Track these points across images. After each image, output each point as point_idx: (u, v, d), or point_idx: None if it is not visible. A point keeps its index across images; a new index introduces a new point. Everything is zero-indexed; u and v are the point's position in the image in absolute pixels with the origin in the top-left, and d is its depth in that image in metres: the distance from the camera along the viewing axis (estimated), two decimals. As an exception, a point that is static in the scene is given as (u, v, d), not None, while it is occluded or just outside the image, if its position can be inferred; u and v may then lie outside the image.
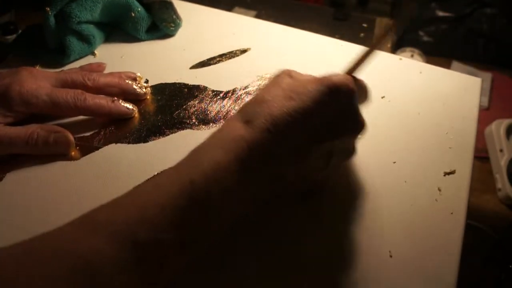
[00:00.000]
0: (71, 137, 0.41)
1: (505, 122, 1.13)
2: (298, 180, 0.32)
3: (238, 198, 0.29)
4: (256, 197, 0.30)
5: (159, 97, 0.48)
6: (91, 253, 0.23)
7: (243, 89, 0.49)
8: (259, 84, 0.50)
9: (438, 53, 1.44)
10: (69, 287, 0.22)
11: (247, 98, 0.48)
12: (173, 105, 0.47)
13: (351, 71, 0.35)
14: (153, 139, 0.43)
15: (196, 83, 0.50)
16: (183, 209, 0.26)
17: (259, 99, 0.31)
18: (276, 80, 0.33)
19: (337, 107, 0.31)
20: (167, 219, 0.25)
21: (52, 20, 0.48)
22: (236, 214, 0.30)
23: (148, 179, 0.29)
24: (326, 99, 0.30)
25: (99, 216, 0.26)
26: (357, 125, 0.33)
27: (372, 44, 0.34)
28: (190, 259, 0.27)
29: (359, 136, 0.34)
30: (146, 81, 0.49)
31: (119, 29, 0.56)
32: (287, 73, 0.33)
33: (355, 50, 0.51)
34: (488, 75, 1.36)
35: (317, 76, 0.33)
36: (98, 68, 0.49)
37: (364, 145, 0.40)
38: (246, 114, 0.30)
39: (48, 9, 0.47)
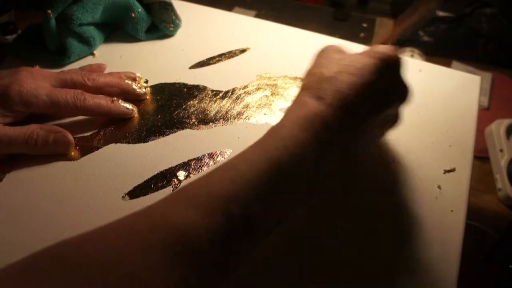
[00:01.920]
0: (71, 137, 0.41)
1: (505, 122, 1.13)
2: (358, 151, 0.34)
3: (316, 174, 0.30)
4: (328, 173, 0.32)
5: (158, 97, 0.48)
6: (185, 225, 0.25)
7: (243, 89, 0.49)
8: (259, 84, 0.50)
9: (438, 53, 1.44)
10: (166, 257, 0.23)
11: (247, 98, 0.48)
12: (172, 105, 0.47)
13: (389, 41, 0.37)
14: (153, 139, 0.43)
15: (196, 83, 0.50)
16: (270, 184, 0.27)
17: (322, 76, 0.32)
18: (329, 56, 0.35)
19: (390, 77, 0.33)
20: (255, 194, 0.26)
21: (53, 22, 0.48)
22: (313, 190, 0.31)
23: (237, 155, 0.29)
24: (382, 71, 0.32)
25: (192, 190, 0.27)
26: (406, 92, 0.35)
27: (410, 15, 0.35)
28: (272, 233, 0.29)
29: (406, 102, 0.35)
30: (146, 81, 0.49)
31: (118, 29, 0.56)
32: (336, 49, 0.36)
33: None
34: (488, 75, 1.36)
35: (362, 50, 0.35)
36: (99, 69, 0.49)
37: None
38: (316, 91, 0.32)
39: (50, 11, 0.47)
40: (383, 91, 0.33)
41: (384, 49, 0.34)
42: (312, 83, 0.33)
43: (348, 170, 0.39)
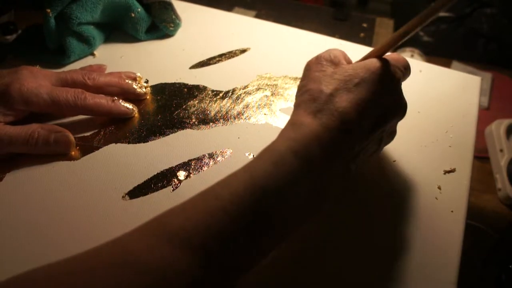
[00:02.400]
0: (71, 137, 0.41)
1: (505, 122, 1.13)
2: (356, 169, 0.33)
3: (307, 205, 0.29)
4: (325, 198, 0.30)
5: (159, 97, 0.48)
6: (163, 262, 0.23)
7: (243, 89, 0.49)
8: (259, 84, 0.50)
9: (438, 53, 1.44)
10: None
11: (247, 98, 0.48)
12: (173, 105, 0.47)
13: (386, 50, 0.34)
14: (153, 139, 0.43)
15: (196, 83, 0.50)
16: (254, 218, 0.25)
17: (321, 93, 0.31)
18: (323, 68, 0.33)
19: (388, 92, 0.32)
20: (235, 226, 0.25)
21: (52, 21, 0.48)
22: (302, 220, 0.29)
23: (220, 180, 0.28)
24: (381, 87, 0.31)
25: (170, 223, 0.25)
26: (403, 107, 0.34)
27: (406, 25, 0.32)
28: (258, 262, 0.27)
29: (402, 118, 0.35)
30: (146, 81, 0.49)
31: (118, 29, 0.56)
32: (328, 59, 0.33)
33: (354, 49, 0.51)
34: (488, 75, 1.36)
35: (358, 61, 0.34)
36: (99, 69, 0.49)
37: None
38: (313, 110, 0.30)
39: (49, 10, 0.48)
40: (382, 107, 0.32)
41: (385, 62, 0.33)
42: (308, 101, 0.31)
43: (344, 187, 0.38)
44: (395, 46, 0.33)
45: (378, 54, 0.34)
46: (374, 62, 0.32)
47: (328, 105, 0.30)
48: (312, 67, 0.34)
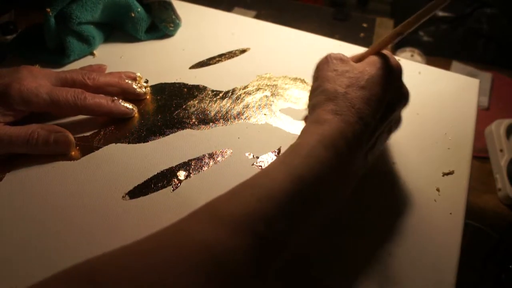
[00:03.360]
0: (71, 137, 0.41)
1: (505, 122, 1.13)
2: (373, 158, 0.36)
3: (336, 192, 0.32)
4: (349, 186, 0.34)
5: (158, 97, 0.48)
6: (217, 245, 0.25)
7: (243, 89, 0.49)
8: (259, 84, 0.50)
9: (438, 53, 1.44)
10: (199, 276, 0.24)
11: (247, 98, 0.48)
12: (172, 105, 0.47)
13: (383, 47, 0.37)
14: (153, 139, 0.43)
15: (196, 83, 0.50)
16: (295, 202, 0.28)
17: (336, 92, 0.33)
18: (334, 67, 0.35)
19: (393, 84, 0.35)
20: (281, 212, 0.27)
21: (52, 21, 0.48)
22: (333, 205, 0.32)
23: (258, 172, 0.30)
24: (388, 80, 0.34)
25: (221, 208, 0.27)
26: (407, 95, 0.37)
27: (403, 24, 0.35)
28: (298, 245, 0.29)
29: (406, 105, 0.38)
30: (146, 81, 0.49)
31: (118, 29, 0.56)
32: (338, 58, 0.36)
33: (354, 50, 0.51)
34: (488, 75, 1.36)
35: (357, 57, 0.37)
36: (99, 69, 0.49)
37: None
38: (333, 108, 0.33)
39: (49, 10, 0.48)
40: (390, 98, 0.35)
41: (385, 57, 0.36)
42: (325, 101, 0.34)
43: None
44: (392, 43, 0.36)
45: (376, 51, 0.37)
46: (378, 59, 0.35)
47: (345, 103, 0.33)
48: (324, 67, 0.36)
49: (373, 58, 0.36)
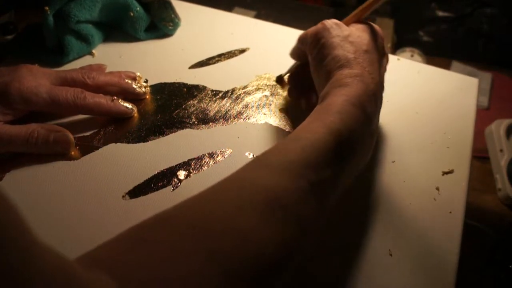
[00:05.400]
0: (71, 136, 0.41)
1: (505, 122, 1.13)
2: (377, 123, 0.39)
3: (365, 147, 0.35)
4: (373, 144, 0.37)
5: (158, 97, 0.48)
6: (277, 187, 0.28)
7: (242, 89, 0.49)
8: (258, 84, 0.50)
9: (438, 53, 1.44)
10: (263, 216, 0.26)
11: (246, 98, 0.48)
12: (172, 104, 0.47)
13: (367, 11, 0.41)
14: (153, 139, 0.43)
15: (195, 83, 0.50)
16: (335, 151, 0.31)
17: (347, 58, 0.36)
18: (337, 33, 0.38)
19: (381, 45, 0.40)
20: (324, 159, 0.30)
21: (51, 19, 0.48)
22: (362, 160, 0.35)
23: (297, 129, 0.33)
24: (377, 43, 0.39)
25: (272, 159, 0.30)
26: (387, 54, 0.42)
27: None
28: (338, 193, 0.32)
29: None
30: (146, 81, 0.49)
31: (117, 28, 0.56)
32: (335, 23, 0.40)
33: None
34: (488, 75, 1.36)
35: (355, 24, 0.41)
36: (99, 69, 0.49)
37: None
38: (349, 72, 0.36)
39: (47, 8, 0.48)
40: (382, 55, 0.40)
41: (371, 25, 0.40)
42: (339, 67, 0.36)
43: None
44: (374, 7, 0.41)
45: (362, 15, 0.41)
46: (367, 26, 0.40)
47: (358, 67, 0.36)
48: (325, 34, 0.39)
49: (362, 26, 0.40)
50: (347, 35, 0.38)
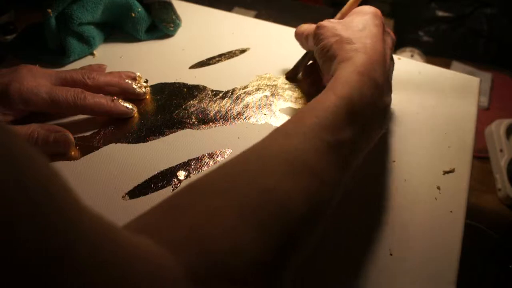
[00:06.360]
0: (71, 136, 0.41)
1: (505, 122, 1.13)
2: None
3: (377, 120, 0.36)
4: (385, 123, 0.38)
5: (158, 97, 0.48)
6: (296, 150, 0.29)
7: (243, 89, 0.49)
8: (258, 84, 0.50)
9: (438, 53, 1.44)
10: (286, 176, 0.28)
11: (247, 98, 0.48)
12: (172, 104, 0.47)
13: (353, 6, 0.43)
14: (153, 139, 0.43)
15: (196, 83, 0.50)
16: (349, 114, 0.32)
17: (345, 38, 0.38)
18: (333, 26, 0.40)
19: (382, 24, 0.40)
20: (339, 123, 0.32)
21: (53, 21, 0.48)
22: (375, 136, 0.36)
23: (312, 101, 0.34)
24: (375, 21, 0.40)
25: (290, 126, 0.32)
26: (394, 37, 0.43)
27: None
28: (359, 158, 0.34)
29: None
30: (146, 81, 0.49)
31: (118, 29, 0.56)
32: (330, 21, 0.41)
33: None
34: (488, 75, 1.36)
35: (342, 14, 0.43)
36: (99, 69, 0.49)
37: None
38: (350, 47, 0.37)
39: (50, 10, 0.47)
40: (383, 33, 0.40)
41: (365, 8, 0.41)
42: (341, 44, 0.38)
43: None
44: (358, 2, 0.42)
45: (354, 6, 0.43)
46: (359, 10, 0.41)
47: (358, 42, 0.37)
48: (322, 31, 0.40)
49: (353, 11, 0.41)
50: (341, 25, 0.40)
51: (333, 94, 0.33)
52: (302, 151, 0.29)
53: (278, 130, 0.32)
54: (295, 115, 0.34)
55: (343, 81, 0.34)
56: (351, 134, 0.32)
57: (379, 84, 0.35)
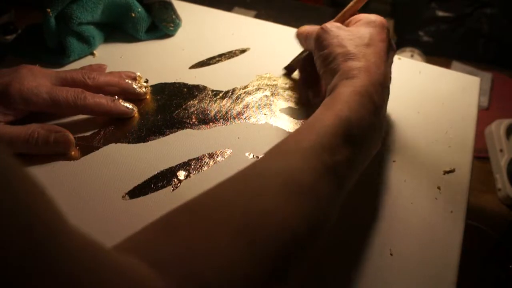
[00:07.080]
0: (71, 136, 0.41)
1: (505, 122, 1.13)
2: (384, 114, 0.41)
3: (374, 137, 0.36)
4: (381, 133, 0.38)
5: (158, 97, 0.48)
6: (294, 170, 0.29)
7: (243, 89, 0.49)
8: (259, 84, 0.50)
9: (438, 53, 1.44)
10: (283, 197, 0.28)
11: (247, 98, 0.48)
12: (172, 104, 0.47)
13: (357, 8, 0.43)
14: (153, 139, 0.43)
15: (196, 83, 0.50)
16: (346, 135, 0.32)
17: (348, 52, 0.38)
18: (335, 34, 0.39)
19: (386, 35, 0.40)
20: (337, 144, 0.32)
21: (52, 21, 0.48)
22: (374, 151, 0.37)
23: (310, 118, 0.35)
24: (382, 36, 0.39)
25: (287, 146, 0.32)
26: (394, 46, 0.42)
27: None
28: (355, 177, 0.34)
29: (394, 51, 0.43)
30: (146, 81, 0.49)
31: (118, 29, 0.56)
32: (335, 26, 0.40)
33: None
34: (488, 75, 1.36)
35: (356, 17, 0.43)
36: (99, 69, 0.49)
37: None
38: (353, 64, 0.37)
39: (49, 10, 0.47)
40: (388, 46, 0.40)
41: (369, 17, 0.41)
42: (344, 61, 0.37)
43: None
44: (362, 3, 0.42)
45: (353, 13, 0.43)
46: (368, 20, 0.40)
47: (362, 59, 0.37)
48: (326, 37, 0.40)
49: (362, 21, 0.41)
50: (347, 34, 0.39)
51: (332, 114, 0.33)
52: (300, 171, 0.29)
53: (274, 150, 0.32)
54: (295, 132, 0.34)
55: (344, 100, 0.34)
56: (348, 154, 0.32)
57: (377, 106, 0.35)
